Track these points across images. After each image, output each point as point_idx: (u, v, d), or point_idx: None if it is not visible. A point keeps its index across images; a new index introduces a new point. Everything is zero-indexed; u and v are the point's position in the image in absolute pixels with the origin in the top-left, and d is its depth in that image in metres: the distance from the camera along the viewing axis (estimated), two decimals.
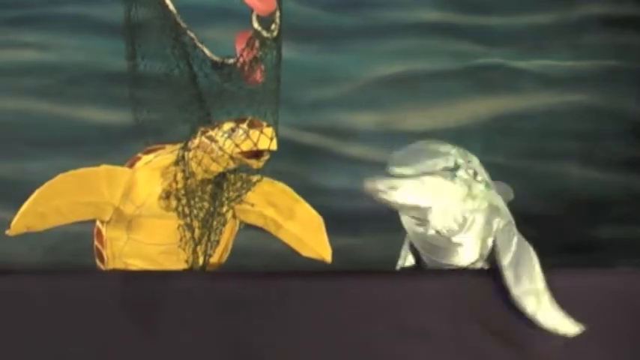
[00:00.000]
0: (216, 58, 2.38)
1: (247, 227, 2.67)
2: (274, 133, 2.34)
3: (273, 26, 2.37)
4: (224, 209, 2.55)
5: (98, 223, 2.58)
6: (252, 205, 2.59)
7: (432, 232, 2.30)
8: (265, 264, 3.30)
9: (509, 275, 2.26)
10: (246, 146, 2.34)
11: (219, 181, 2.51)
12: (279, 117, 2.46)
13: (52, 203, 2.43)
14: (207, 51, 2.38)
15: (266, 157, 2.37)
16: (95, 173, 2.49)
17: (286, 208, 2.61)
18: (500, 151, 4.00)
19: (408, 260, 2.55)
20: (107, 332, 2.25)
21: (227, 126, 2.38)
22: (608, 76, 4.08)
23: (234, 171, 2.49)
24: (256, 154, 2.36)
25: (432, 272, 2.38)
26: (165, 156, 2.52)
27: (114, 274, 2.52)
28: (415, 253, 2.49)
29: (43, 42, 4.02)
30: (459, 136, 3.95)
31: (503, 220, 2.36)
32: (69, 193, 2.45)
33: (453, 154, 2.30)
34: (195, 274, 2.50)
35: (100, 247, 2.61)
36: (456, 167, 2.29)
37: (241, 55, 2.35)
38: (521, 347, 2.26)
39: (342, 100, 4.06)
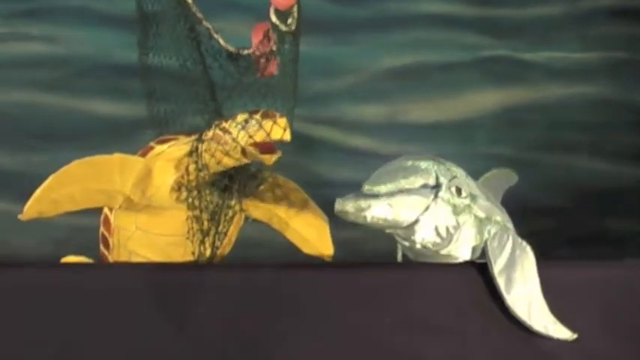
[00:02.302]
0: (231, 49, 2.36)
1: (254, 220, 2.67)
2: (288, 124, 2.33)
3: (290, 20, 2.36)
4: (233, 203, 2.55)
5: (106, 209, 2.58)
6: (261, 200, 2.59)
7: (418, 246, 2.30)
8: (273, 255, 3.30)
9: (500, 282, 2.24)
10: (259, 137, 2.33)
11: (231, 174, 2.50)
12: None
13: (66, 190, 2.43)
14: (222, 42, 2.37)
15: (278, 154, 2.36)
16: (109, 161, 2.48)
17: (293, 206, 2.61)
18: (508, 143, 4.00)
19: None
20: (118, 325, 2.25)
21: (241, 117, 2.36)
22: (617, 67, 4.07)
23: (245, 166, 2.49)
24: (270, 149, 2.36)
25: (436, 265, 2.36)
26: (179, 147, 2.50)
27: (123, 266, 2.51)
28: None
29: (50, 34, 4.01)
30: (466, 128, 3.99)
31: (495, 228, 2.34)
32: (82, 180, 2.44)
33: (434, 171, 2.27)
34: (207, 267, 2.50)
35: (106, 233, 2.60)
36: (438, 185, 2.26)
37: (258, 47, 2.34)
38: (529, 340, 2.25)
39: (349, 92, 4.05)
